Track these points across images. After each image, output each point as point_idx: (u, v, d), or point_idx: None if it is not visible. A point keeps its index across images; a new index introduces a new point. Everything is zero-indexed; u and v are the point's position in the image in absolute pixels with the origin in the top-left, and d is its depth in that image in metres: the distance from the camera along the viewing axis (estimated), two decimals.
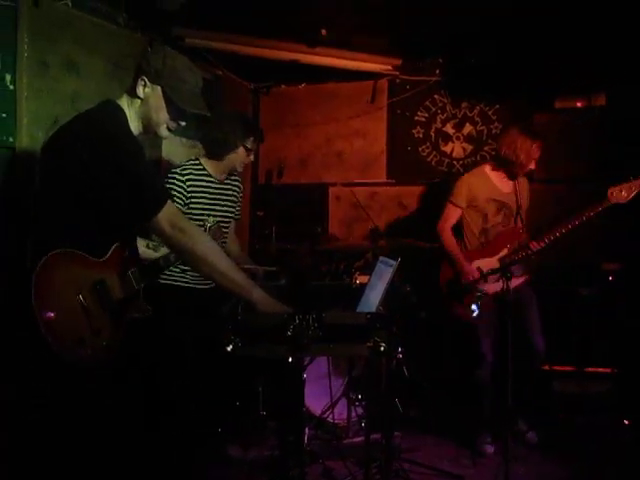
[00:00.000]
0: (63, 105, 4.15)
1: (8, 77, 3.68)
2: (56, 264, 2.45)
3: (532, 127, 4.56)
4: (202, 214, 4.07)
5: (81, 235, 2.56)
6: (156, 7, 4.73)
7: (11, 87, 3.71)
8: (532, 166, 4.46)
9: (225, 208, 4.23)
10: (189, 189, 4.03)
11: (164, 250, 3.09)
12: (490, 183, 4.52)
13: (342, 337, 2.47)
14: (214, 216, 4.13)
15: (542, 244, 4.33)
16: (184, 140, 5.66)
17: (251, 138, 4.15)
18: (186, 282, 4.10)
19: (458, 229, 4.60)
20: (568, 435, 4.62)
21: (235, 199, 4.34)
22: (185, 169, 4.06)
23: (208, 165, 4.16)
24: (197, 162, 4.15)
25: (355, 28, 5.26)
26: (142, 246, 3.13)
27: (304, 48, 5.50)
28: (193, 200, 4.05)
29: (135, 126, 2.72)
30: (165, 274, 4.04)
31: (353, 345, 2.50)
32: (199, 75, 2.82)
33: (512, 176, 4.50)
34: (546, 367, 4.87)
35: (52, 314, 2.36)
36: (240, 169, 4.27)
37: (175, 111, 2.72)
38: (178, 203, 3.94)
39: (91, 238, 2.58)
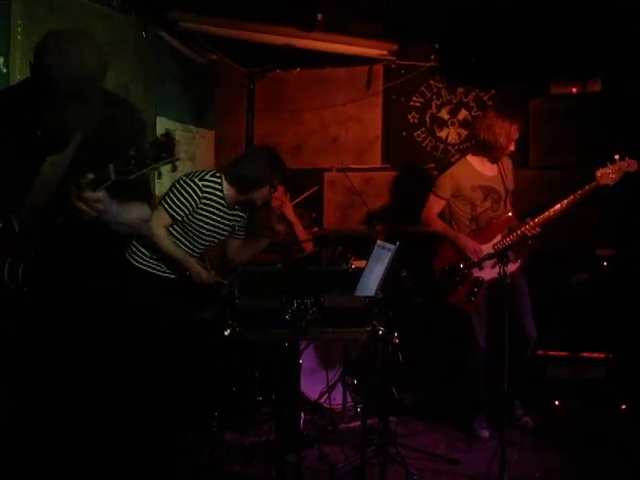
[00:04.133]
0: None
1: (1, 60, 3.67)
2: None
3: (508, 109, 4.53)
4: (201, 232, 4.03)
5: None
6: None
7: (4, 70, 3.70)
8: (512, 147, 4.44)
9: (224, 232, 4.17)
10: (200, 205, 3.94)
11: None
12: (473, 171, 4.49)
13: (340, 321, 2.48)
14: (210, 236, 4.09)
15: (534, 228, 4.33)
16: (178, 124, 5.65)
17: (278, 178, 4.14)
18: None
19: (445, 218, 4.59)
20: (563, 420, 4.65)
21: (237, 224, 4.26)
22: (206, 186, 3.95)
23: (227, 189, 4.03)
24: (219, 181, 4.02)
25: (351, 13, 5.23)
26: None
27: (300, 32, 5.46)
28: (197, 216, 3.98)
29: None
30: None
31: (352, 329, 2.50)
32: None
33: (494, 159, 4.49)
34: (540, 352, 4.89)
35: None
36: (259, 204, 4.19)
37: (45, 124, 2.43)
38: (182, 211, 3.89)
39: None
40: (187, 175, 4.04)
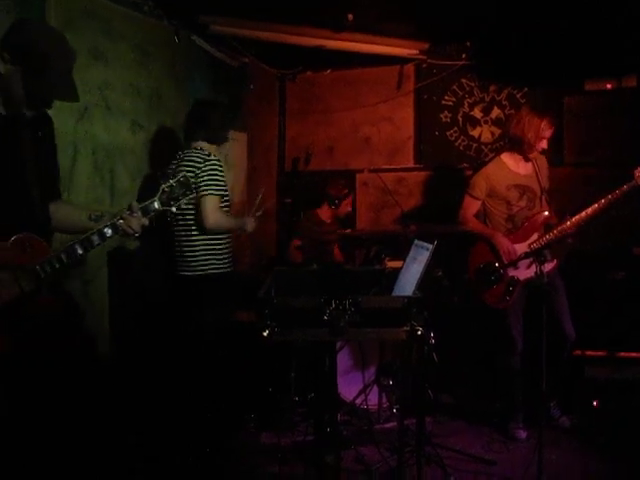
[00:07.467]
0: (92, 94, 4.17)
1: None
2: None
3: (541, 106, 4.48)
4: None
5: None
6: None
7: None
8: (544, 145, 4.38)
9: None
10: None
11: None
12: (507, 170, 4.46)
13: (379, 321, 2.47)
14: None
15: (571, 227, 4.29)
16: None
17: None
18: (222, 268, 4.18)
19: (480, 217, 4.56)
20: (600, 420, 4.58)
21: None
22: (216, 158, 4.18)
23: (209, 149, 4.27)
24: (208, 148, 4.27)
25: (382, 12, 5.21)
26: (83, 218, 2.74)
27: (330, 34, 5.46)
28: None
29: None
30: (203, 264, 4.07)
31: (390, 329, 2.49)
32: (71, 54, 2.60)
33: (526, 157, 4.45)
34: (578, 352, 4.83)
35: None
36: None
37: (34, 97, 2.52)
38: (226, 187, 4.16)
39: None
40: (207, 160, 4.12)
